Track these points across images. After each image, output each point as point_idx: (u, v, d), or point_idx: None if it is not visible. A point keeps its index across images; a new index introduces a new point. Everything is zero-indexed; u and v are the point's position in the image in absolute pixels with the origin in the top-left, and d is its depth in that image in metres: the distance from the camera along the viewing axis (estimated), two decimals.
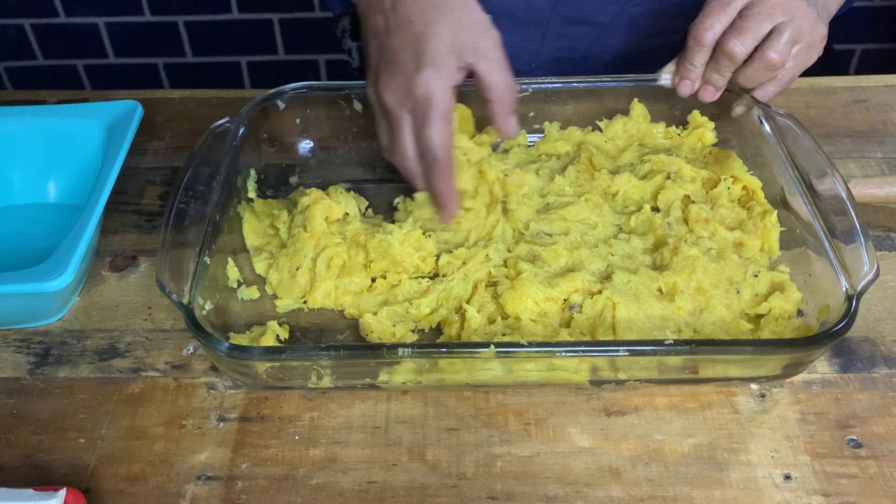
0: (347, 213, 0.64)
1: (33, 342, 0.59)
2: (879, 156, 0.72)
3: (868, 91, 0.80)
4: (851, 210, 0.55)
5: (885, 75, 0.82)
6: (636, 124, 0.70)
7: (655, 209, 0.65)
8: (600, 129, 0.71)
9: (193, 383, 0.56)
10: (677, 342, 0.50)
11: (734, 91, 0.66)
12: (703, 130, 0.69)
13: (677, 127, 0.71)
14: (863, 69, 2.01)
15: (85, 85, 2.07)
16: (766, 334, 0.55)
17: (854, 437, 0.51)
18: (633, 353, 0.49)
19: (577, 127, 0.71)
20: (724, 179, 0.64)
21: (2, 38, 1.98)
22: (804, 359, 0.51)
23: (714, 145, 0.70)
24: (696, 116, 0.70)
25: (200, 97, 0.81)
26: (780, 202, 0.62)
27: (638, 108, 0.70)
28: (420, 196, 0.64)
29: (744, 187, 0.64)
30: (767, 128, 0.64)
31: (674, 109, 0.71)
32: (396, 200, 0.68)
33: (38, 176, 0.67)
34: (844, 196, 0.56)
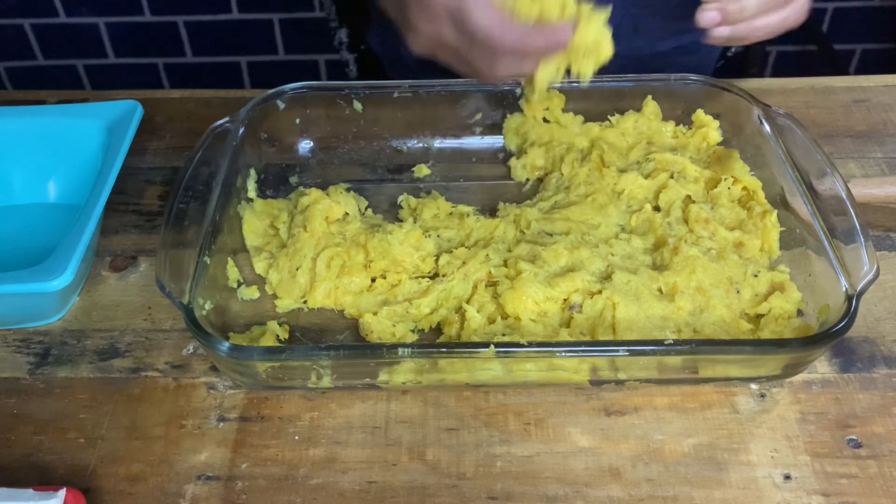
0: (347, 213, 0.64)
1: (33, 342, 0.59)
2: (879, 156, 0.72)
3: (868, 91, 0.80)
4: (851, 210, 0.55)
5: (884, 75, 0.82)
6: (647, 121, 0.70)
7: (657, 208, 0.65)
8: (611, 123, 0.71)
9: (193, 383, 0.56)
10: (677, 342, 0.50)
11: (734, 91, 0.66)
12: (708, 129, 0.69)
13: (683, 126, 0.71)
14: (863, 69, 2.01)
15: (85, 85, 2.08)
16: (766, 334, 0.55)
17: (854, 437, 0.51)
18: (633, 353, 0.49)
19: (597, 123, 0.71)
20: (725, 179, 0.64)
21: (2, 37, 1.98)
22: (804, 359, 0.51)
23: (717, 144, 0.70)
24: (700, 115, 0.70)
25: (200, 97, 0.81)
26: (780, 202, 0.62)
27: (651, 106, 0.70)
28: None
29: (744, 187, 0.64)
30: (767, 128, 0.64)
31: (675, 109, 0.71)
32: (400, 199, 0.68)
33: (38, 176, 0.67)
34: (844, 196, 0.56)
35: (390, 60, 0.91)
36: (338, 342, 0.58)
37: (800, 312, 0.57)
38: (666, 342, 0.49)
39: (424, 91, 0.69)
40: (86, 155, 0.65)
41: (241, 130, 0.64)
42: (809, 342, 0.49)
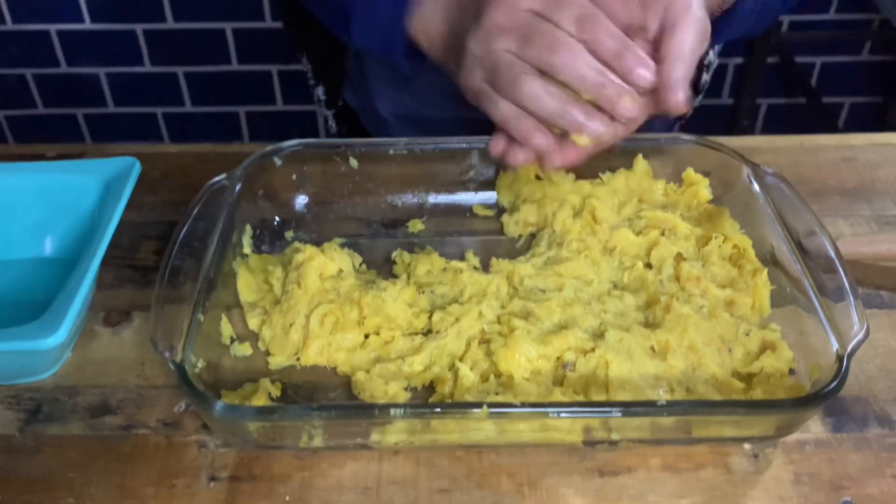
0: (342, 270, 0.64)
1: (24, 398, 0.58)
2: (868, 213, 0.73)
3: (856, 149, 0.81)
4: (840, 268, 0.56)
5: (872, 134, 0.83)
6: (638, 179, 0.71)
7: (649, 265, 0.65)
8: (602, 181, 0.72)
9: (185, 441, 0.55)
10: (670, 403, 0.50)
11: (723, 150, 0.67)
12: (698, 187, 0.70)
13: (674, 184, 0.72)
14: (852, 122, 2.05)
15: (84, 133, 2.10)
16: (758, 394, 0.55)
17: (848, 499, 0.51)
18: (626, 414, 0.49)
19: (588, 180, 0.72)
20: (715, 237, 0.65)
21: (4, 87, 2.00)
22: (796, 419, 0.51)
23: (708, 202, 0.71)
24: (689, 174, 0.71)
25: (197, 152, 0.82)
26: (770, 260, 0.63)
27: (641, 164, 0.71)
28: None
29: (734, 245, 0.65)
30: (756, 186, 0.65)
31: (666, 167, 0.72)
32: (394, 254, 0.68)
33: (36, 231, 0.68)
34: (833, 254, 0.57)
35: (367, 115, 0.93)
36: (330, 401, 0.58)
37: (792, 371, 0.57)
38: (658, 403, 0.49)
39: (419, 148, 0.70)
40: (83, 210, 0.66)
41: (238, 187, 0.65)
42: (800, 403, 0.49)
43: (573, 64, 0.52)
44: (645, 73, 0.53)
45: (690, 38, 0.54)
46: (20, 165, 0.68)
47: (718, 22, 0.59)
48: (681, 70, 0.54)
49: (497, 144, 0.59)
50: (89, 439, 0.55)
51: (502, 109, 0.56)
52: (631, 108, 0.53)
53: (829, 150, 0.81)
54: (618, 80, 0.53)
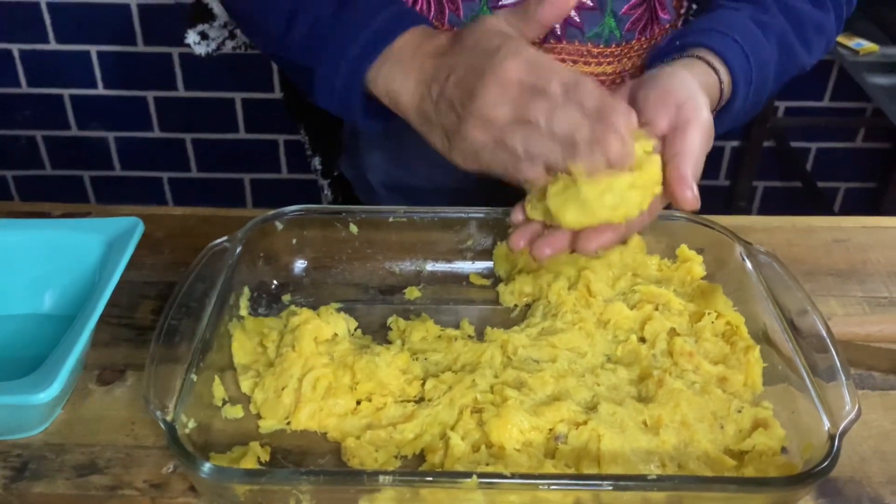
0: (337, 334, 0.65)
1: (11, 455, 0.58)
2: (860, 294, 0.74)
3: (848, 231, 0.82)
4: (832, 348, 0.56)
5: (863, 217, 0.85)
6: (632, 254, 0.72)
7: (643, 339, 0.66)
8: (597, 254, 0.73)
9: (171, 503, 0.55)
10: (661, 477, 0.50)
11: (716, 228, 0.69)
12: (692, 264, 0.71)
13: (668, 260, 0.73)
14: (847, 206, 2.07)
15: (89, 195, 2.12)
16: (750, 471, 0.55)
17: None
18: (616, 488, 0.49)
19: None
20: (708, 314, 0.66)
21: (14, 148, 2.04)
22: (788, 498, 0.51)
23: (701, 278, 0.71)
24: (683, 250, 0.72)
25: (201, 214, 0.83)
26: (762, 337, 0.63)
27: (635, 239, 0.72)
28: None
29: (727, 322, 0.65)
30: (749, 265, 0.66)
31: (660, 243, 0.73)
32: (389, 320, 0.69)
33: (36, 287, 0.68)
34: (825, 334, 0.58)
35: (359, 185, 0.96)
36: (319, 466, 0.57)
37: (784, 450, 0.56)
38: (650, 477, 0.49)
39: (418, 217, 0.72)
40: (84, 268, 0.66)
41: (239, 249, 0.66)
42: (792, 482, 0.49)
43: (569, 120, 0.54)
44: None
45: (699, 138, 0.58)
46: (24, 222, 0.69)
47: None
48: (690, 167, 0.58)
49: (518, 240, 0.60)
50: (74, 499, 0.55)
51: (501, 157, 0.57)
52: (619, 149, 0.53)
53: (821, 232, 0.82)
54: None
